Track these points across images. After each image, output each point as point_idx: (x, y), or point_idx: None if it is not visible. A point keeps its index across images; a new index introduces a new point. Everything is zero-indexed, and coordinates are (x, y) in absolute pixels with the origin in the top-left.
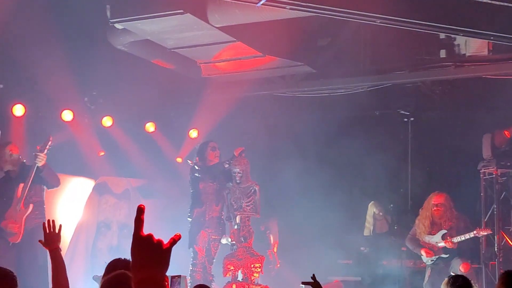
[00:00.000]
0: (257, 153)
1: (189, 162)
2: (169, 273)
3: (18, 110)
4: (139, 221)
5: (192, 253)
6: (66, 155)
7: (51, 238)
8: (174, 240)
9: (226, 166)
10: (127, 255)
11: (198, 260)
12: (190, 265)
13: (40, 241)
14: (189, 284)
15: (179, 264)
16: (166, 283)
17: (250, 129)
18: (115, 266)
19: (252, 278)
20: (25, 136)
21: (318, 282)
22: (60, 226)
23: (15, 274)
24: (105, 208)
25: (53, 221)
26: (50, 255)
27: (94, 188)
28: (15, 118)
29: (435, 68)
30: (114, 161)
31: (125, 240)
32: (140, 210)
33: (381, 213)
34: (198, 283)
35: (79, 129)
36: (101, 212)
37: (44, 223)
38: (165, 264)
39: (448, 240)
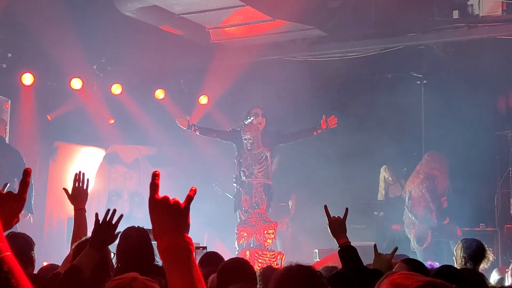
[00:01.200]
0: (268, 118)
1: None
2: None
3: (27, 79)
4: (154, 186)
5: (238, 218)
6: (75, 123)
7: (78, 195)
8: (190, 197)
9: (229, 130)
10: (139, 223)
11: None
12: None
13: (65, 189)
14: (237, 248)
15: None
16: (191, 245)
17: (261, 94)
18: (128, 234)
19: (265, 244)
20: (34, 104)
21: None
22: (88, 180)
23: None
24: (116, 178)
25: (83, 174)
26: (74, 214)
27: (104, 158)
28: (24, 86)
29: (447, 30)
30: (123, 129)
31: (137, 209)
32: (155, 175)
33: (390, 178)
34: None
35: (88, 97)
36: (112, 181)
37: (76, 174)
38: (185, 224)
39: None
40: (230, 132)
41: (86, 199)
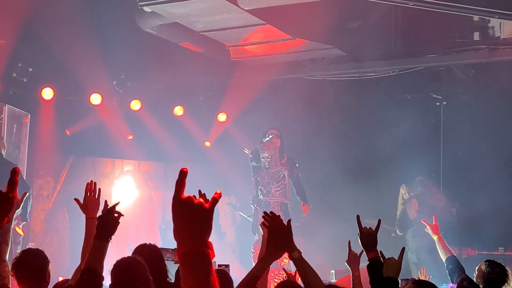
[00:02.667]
0: (286, 137)
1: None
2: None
3: (47, 93)
4: (180, 184)
5: (256, 237)
6: (94, 138)
7: (90, 204)
8: (215, 199)
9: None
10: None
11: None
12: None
13: (76, 200)
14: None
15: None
16: (210, 250)
17: (279, 113)
18: (140, 252)
19: (282, 264)
20: (54, 119)
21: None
22: (100, 190)
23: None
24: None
25: (95, 183)
26: (86, 223)
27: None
28: (44, 101)
29: (468, 51)
30: (142, 145)
31: None
32: (183, 173)
33: (407, 194)
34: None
35: (108, 113)
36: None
37: (87, 184)
38: (208, 228)
39: None
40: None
41: (98, 208)
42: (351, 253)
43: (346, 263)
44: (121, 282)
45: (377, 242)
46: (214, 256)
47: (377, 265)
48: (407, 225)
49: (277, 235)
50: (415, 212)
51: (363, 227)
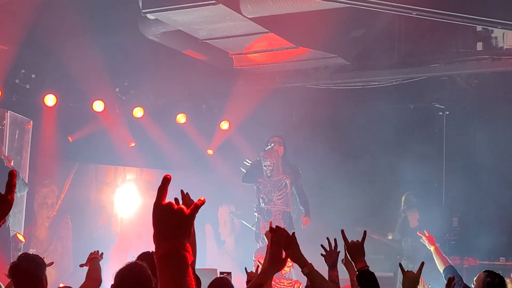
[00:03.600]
0: (288, 145)
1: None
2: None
3: (50, 100)
4: (162, 190)
5: (258, 245)
6: (96, 145)
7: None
8: (196, 206)
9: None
10: None
11: None
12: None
13: (81, 265)
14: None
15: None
16: (188, 253)
17: (282, 121)
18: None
19: (283, 272)
20: (56, 125)
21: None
22: (102, 254)
23: (42, 259)
24: None
25: (101, 254)
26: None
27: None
28: (46, 107)
29: (471, 61)
30: (144, 152)
31: None
32: (166, 180)
33: (402, 205)
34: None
35: (110, 120)
36: None
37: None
38: (186, 232)
39: None
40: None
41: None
42: (347, 257)
43: (342, 264)
44: (125, 287)
45: (364, 252)
46: (192, 259)
47: (366, 275)
48: (407, 233)
49: (282, 246)
50: (416, 221)
51: (349, 241)
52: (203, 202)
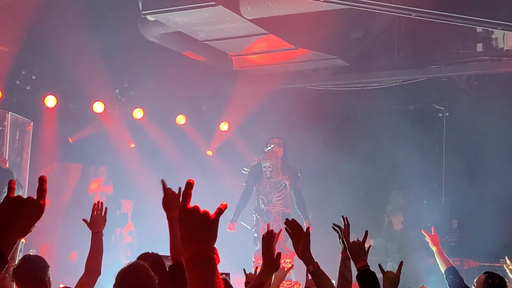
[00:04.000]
0: (288, 147)
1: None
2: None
3: (50, 101)
4: (186, 195)
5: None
6: (96, 146)
7: (96, 221)
8: (220, 210)
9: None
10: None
11: None
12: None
13: (84, 220)
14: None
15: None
16: (216, 255)
17: (282, 122)
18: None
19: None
20: (56, 127)
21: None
22: (106, 209)
23: (45, 260)
24: None
25: (101, 203)
26: (92, 237)
27: None
28: (47, 109)
29: (471, 62)
30: (144, 153)
31: None
32: (189, 185)
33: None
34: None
35: (110, 121)
36: None
37: (94, 204)
38: (213, 235)
39: None
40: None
41: (104, 225)
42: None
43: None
44: (126, 286)
45: (365, 252)
46: (219, 261)
47: (366, 274)
48: (391, 237)
49: (293, 240)
50: (400, 224)
51: (350, 241)
52: (226, 207)
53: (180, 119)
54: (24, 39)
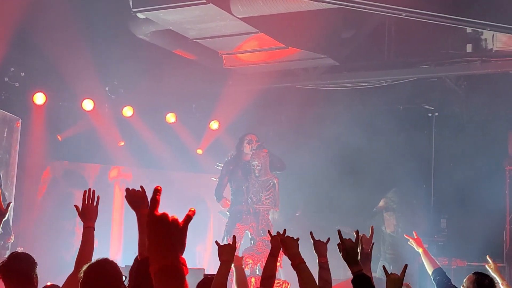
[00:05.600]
0: (278, 145)
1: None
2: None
3: (39, 98)
4: (154, 201)
5: (249, 243)
6: (85, 144)
7: (88, 212)
8: (188, 217)
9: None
10: None
11: None
12: None
13: (75, 206)
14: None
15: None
16: (184, 266)
17: (272, 121)
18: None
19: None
20: (45, 124)
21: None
22: (98, 198)
23: (33, 257)
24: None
25: (93, 191)
26: (83, 231)
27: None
28: (36, 106)
29: (460, 63)
30: (133, 151)
31: None
32: (156, 191)
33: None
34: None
35: (100, 119)
36: None
37: (85, 191)
38: (181, 245)
39: None
40: (233, 166)
41: (96, 217)
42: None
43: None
44: (92, 281)
45: (358, 254)
46: (187, 272)
47: (362, 279)
48: (384, 237)
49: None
50: (392, 226)
51: (344, 238)
52: (194, 213)
53: (170, 117)
54: (13, 36)
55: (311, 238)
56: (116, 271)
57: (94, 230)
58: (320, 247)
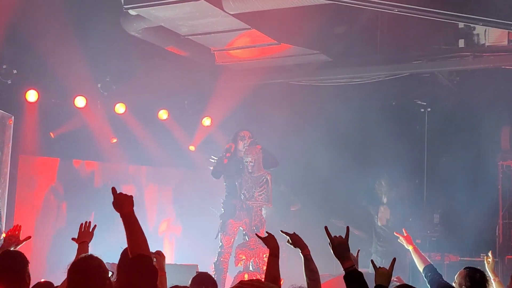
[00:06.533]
0: (271, 142)
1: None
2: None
3: (32, 95)
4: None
5: (219, 241)
6: (78, 141)
7: (83, 235)
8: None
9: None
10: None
11: (225, 249)
12: (217, 254)
13: (73, 238)
14: (214, 274)
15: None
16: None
17: (265, 117)
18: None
19: (264, 268)
20: (38, 121)
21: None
22: (95, 226)
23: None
24: None
25: (89, 223)
26: (78, 248)
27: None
28: (28, 103)
29: (453, 58)
30: (126, 148)
31: None
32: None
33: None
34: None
35: (92, 116)
36: None
37: (81, 224)
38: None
39: None
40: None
41: (91, 237)
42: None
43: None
44: (77, 277)
45: (349, 249)
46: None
47: (354, 275)
48: (376, 230)
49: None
50: (385, 220)
51: (332, 236)
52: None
53: (163, 114)
54: (5, 33)
55: (285, 234)
56: (99, 266)
57: (88, 245)
58: (298, 242)
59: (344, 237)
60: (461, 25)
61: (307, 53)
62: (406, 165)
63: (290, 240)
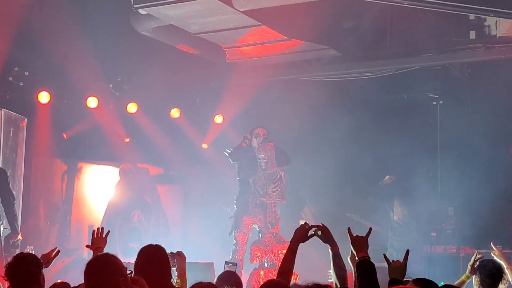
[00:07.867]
0: (283, 138)
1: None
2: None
3: (44, 97)
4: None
5: (234, 239)
6: (91, 142)
7: (97, 242)
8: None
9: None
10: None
11: (239, 246)
12: (231, 251)
13: (87, 245)
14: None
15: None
16: None
17: (276, 114)
18: (146, 251)
19: (279, 264)
20: (50, 123)
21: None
22: (108, 232)
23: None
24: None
25: (102, 228)
26: (93, 254)
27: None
28: (40, 105)
29: (464, 50)
30: (139, 147)
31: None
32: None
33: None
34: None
35: (104, 116)
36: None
37: (94, 231)
38: None
39: None
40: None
41: (105, 243)
42: (353, 253)
43: (349, 260)
44: (94, 276)
45: (367, 245)
46: None
47: (366, 264)
48: (392, 225)
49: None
50: (400, 214)
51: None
52: None
53: (175, 113)
54: (17, 36)
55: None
56: (116, 264)
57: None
58: (329, 237)
59: (365, 236)
60: (471, 16)
61: (317, 48)
62: (419, 158)
63: (319, 233)
